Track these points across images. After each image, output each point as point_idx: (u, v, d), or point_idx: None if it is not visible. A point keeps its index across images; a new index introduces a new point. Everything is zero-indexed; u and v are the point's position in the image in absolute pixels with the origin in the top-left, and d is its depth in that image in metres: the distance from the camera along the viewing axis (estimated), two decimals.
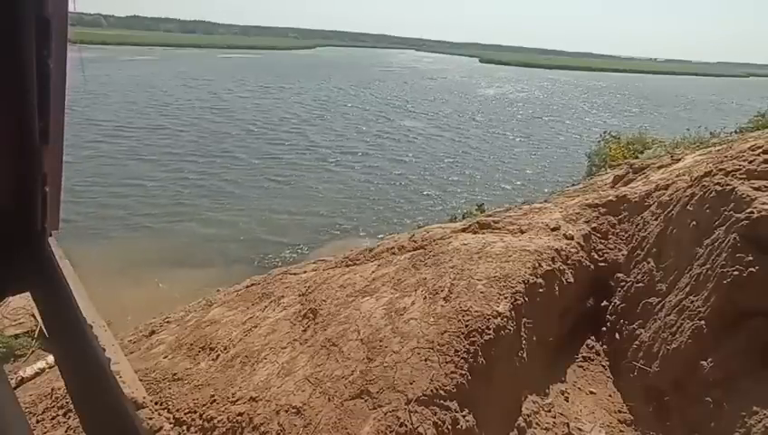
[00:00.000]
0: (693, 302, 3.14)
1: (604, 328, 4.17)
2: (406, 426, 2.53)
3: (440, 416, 2.67)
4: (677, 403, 3.05)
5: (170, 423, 2.83)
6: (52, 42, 0.81)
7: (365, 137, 27.43)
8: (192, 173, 19.38)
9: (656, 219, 4.20)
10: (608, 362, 3.96)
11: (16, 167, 0.96)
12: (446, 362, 2.89)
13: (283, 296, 4.12)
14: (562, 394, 3.59)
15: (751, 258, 2.82)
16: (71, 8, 0.82)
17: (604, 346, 4.11)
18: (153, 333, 4.53)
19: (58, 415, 3.21)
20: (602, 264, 4.47)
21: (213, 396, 2.93)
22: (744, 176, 3.24)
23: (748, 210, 2.95)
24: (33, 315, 7.57)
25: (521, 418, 3.22)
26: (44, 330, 1.08)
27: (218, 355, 3.39)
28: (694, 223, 3.48)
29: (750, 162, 3.31)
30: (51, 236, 1.18)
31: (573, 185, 9.57)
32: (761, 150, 3.35)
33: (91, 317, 0.99)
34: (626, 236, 4.58)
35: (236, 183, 18.68)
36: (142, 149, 22.21)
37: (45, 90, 0.86)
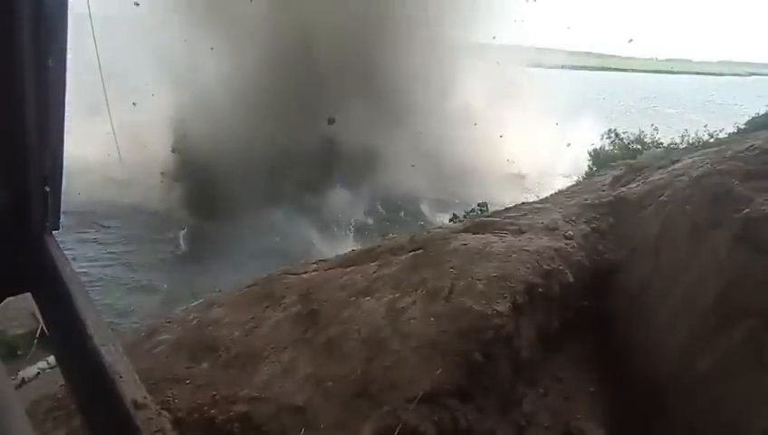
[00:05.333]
0: (690, 301, 3.16)
1: (604, 327, 4.17)
2: (406, 425, 2.54)
3: (440, 415, 2.68)
4: (676, 401, 3.06)
5: (171, 424, 2.83)
6: (52, 41, 0.82)
7: None
8: None
9: (654, 220, 4.21)
10: (607, 362, 3.96)
11: (16, 167, 0.96)
12: (447, 362, 2.90)
13: (284, 297, 4.12)
14: (562, 393, 3.60)
15: (747, 259, 2.83)
16: (70, 8, 0.83)
17: (604, 346, 4.11)
18: (154, 333, 4.53)
19: (59, 416, 3.22)
20: (602, 264, 4.47)
21: (214, 396, 2.93)
22: (742, 176, 3.25)
23: (745, 211, 2.96)
24: (34, 315, 7.58)
25: (521, 416, 3.23)
26: (45, 330, 1.08)
27: (220, 355, 3.40)
28: (692, 223, 3.49)
29: (747, 163, 3.32)
30: (51, 236, 1.18)
31: (573, 185, 9.56)
32: (758, 151, 3.36)
33: (92, 317, 0.99)
34: (625, 236, 4.59)
35: None
36: None
37: (45, 89, 0.86)
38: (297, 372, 3.01)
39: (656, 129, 13.82)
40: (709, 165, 3.73)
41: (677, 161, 5.60)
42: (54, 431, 2.99)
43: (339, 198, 20.20)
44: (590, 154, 14.81)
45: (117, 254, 14.24)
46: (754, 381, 2.60)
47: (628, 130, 14.44)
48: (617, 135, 14.57)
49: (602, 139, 14.88)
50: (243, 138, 20.14)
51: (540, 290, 3.73)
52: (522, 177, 23.12)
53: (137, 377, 0.91)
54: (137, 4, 15.24)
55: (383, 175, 21.95)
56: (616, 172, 6.53)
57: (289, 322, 3.66)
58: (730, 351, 2.78)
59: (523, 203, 5.94)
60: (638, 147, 12.95)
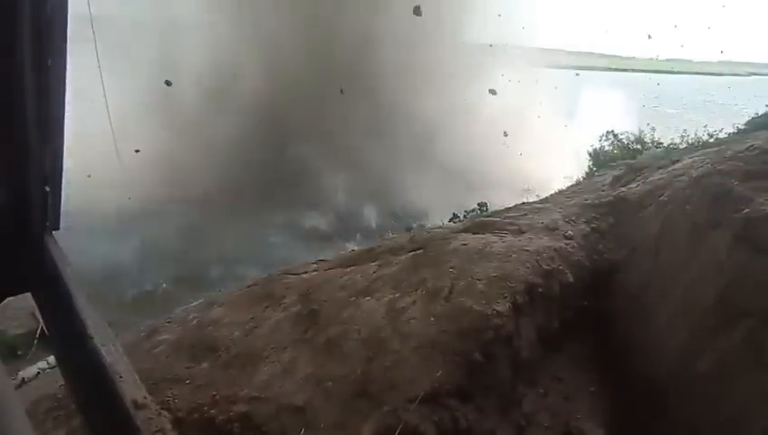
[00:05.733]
0: (690, 301, 3.16)
1: (604, 327, 4.17)
2: (406, 425, 2.54)
3: (440, 415, 2.68)
4: (676, 401, 3.06)
5: (171, 424, 2.83)
6: (52, 41, 0.82)
7: None
8: None
9: (654, 220, 4.21)
10: (607, 362, 3.96)
11: (16, 167, 0.96)
12: (447, 362, 2.90)
13: (284, 297, 4.12)
14: (562, 393, 3.60)
15: (747, 259, 2.83)
16: (70, 8, 0.83)
17: (604, 346, 4.11)
18: (154, 333, 4.53)
19: (59, 416, 3.22)
20: (602, 264, 4.47)
21: (214, 396, 2.93)
22: (742, 177, 3.25)
23: (745, 211, 2.96)
24: (34, 315, 7.58)
25: (521, 416, 3.23)
26: (45, 330, 1.08)
27: (220, 355, 3.40)
28: (692, 223, 3.49)
29: (747, 163, 3.32)
30: (51, 236, 1.18)
31: (573, 185, 9.56)
32: (758, 151, 3.36)
33: (92, 317, 0.99)
34: (625, 236, 4.59)
35: None
36: None
37: (45, 89, 0.86)
38: (297, 372, 3.01)
39: (653, 128, 13.81)
40: (709, 165, 3.73)
41: (677, 161, 5.60)
42: (54, 431, 3.00)
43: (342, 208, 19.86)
44: (589, 154, 14.79)
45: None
46: (754, 381, 2.60)
47: (628, 130, 14.40)
48: (615, 136, 14.55)
49: (601, 140, 14.86)
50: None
51: (540, 290, 3.73)
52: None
53: (137, 377, 0.91)
54: None
55: (385, 183, 21.49)
56: (616, 172, 6.53)
57: (289, 322, 3.66)
58: (730, 351, 2.78)
59: (523, 203, 5.94)
60: (638, 147, 12.94)
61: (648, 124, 14.12)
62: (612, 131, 14.79)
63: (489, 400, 3.01)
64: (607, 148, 14.23)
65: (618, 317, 4.03)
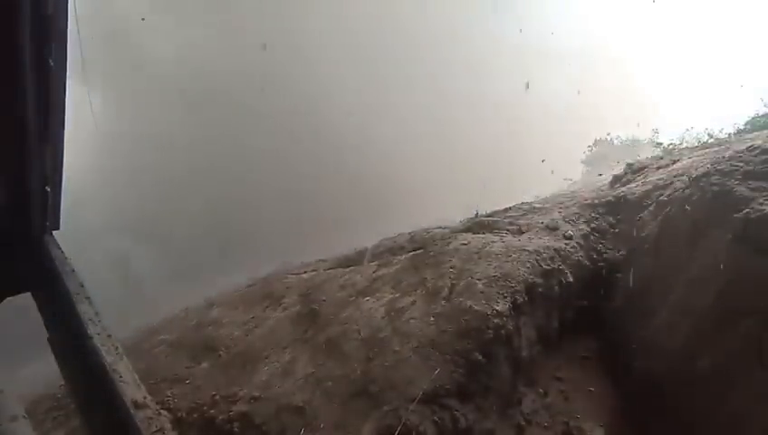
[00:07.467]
0: (690, 301, 3.16)
1: (603, 327, 4.17)
2: (406, 425, 2.55)
3: (440, 414, 2.68)
4: (676, 401, 3.05)
5: (171, 423, 2.83)
6: (52, 41, 0.81)
7: None
8: None
9: (654, 219, 4.20)
10: (607, 361, 3.96)
11: (16, 167, 0.96)
12: (446, 362, 2.90)
13: (283, 297, 4.13)
14: (562, 393, 3.60)
15: (747, 259, 2.83)
16: (71, 8, 0.83)
17: (603, 345, 4.11)
18: (154, 333, 4.54)
19: (59, 416, 3.22)
20: (601, 263, 4.47)
21: (214, 396, 2.94)
22: (742, 177, 3.25)
23: (745, 211, 2.96)
24: None
25: (520, 416, 3.23)
26: (45, 330, 1.08)
27: (219, 355, 3.41)
28: (691, 223, 3.49)
29: (747, 163, 3.32)
30: (51, 236, 1.18)
31: (573, 184, 9.54)
32: (758, 151, 3.36)
33: (92, 317, 0.99)
34: (625, 236, 4.59)
35: None
36: None
37: (45, 89, 0.86)
38: (297, 372, 3.01)
39: (656, 131, 13.76)
40: (709, 165, 3.73)
41: (677, 161, 5.59)
42: (54, 431, 3.00)
43: None
44: (584, 163, 14.74)
45: None
46: (754, 381, 2.60)
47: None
48: (609, 139, 14.52)
49: (593, 147, 14.82)
50: None
51: (540, 290, 3.74)
52: None
53: (137, 377, 0.91)
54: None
55: None
56: (616, 172, 6.53)
57: (289, 322, 3.67)
58: (730, 350, 2.78)
59: (522, 203, 5.94)
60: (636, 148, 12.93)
61: (653, 129, 14.06)
62: (608, 135, 14.74)
63: (489, 400, 3.02)
64: (604, 151, 14.20)
65: (618, 317, 4.03)
